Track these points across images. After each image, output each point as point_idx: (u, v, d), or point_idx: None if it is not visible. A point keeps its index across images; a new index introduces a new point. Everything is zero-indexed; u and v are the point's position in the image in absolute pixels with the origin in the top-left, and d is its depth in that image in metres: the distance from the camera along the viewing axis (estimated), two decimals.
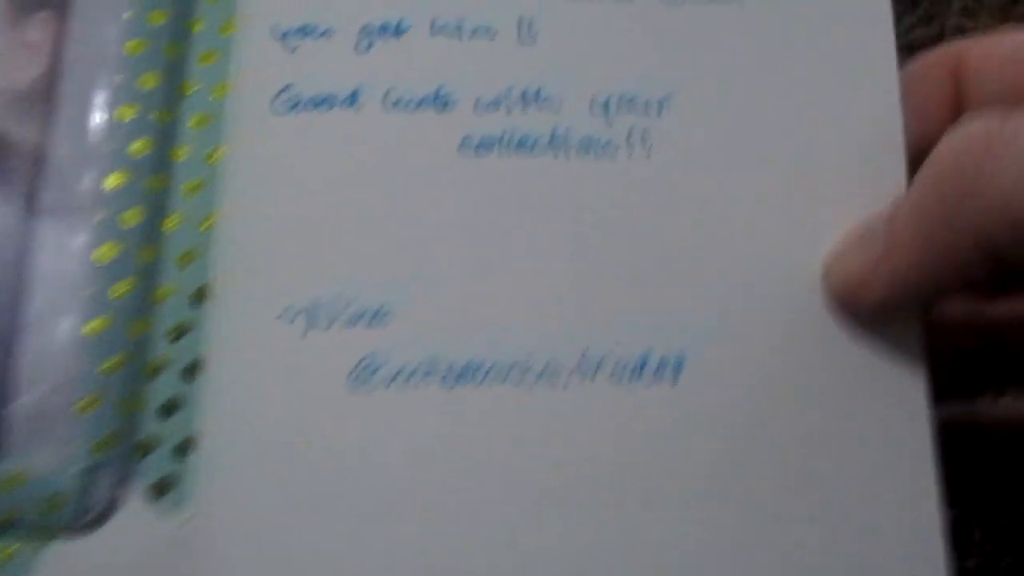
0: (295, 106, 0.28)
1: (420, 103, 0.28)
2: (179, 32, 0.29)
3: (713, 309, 0.28)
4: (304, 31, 0.29)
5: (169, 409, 0.27)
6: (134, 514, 0.26)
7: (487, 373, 0.27)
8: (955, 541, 0.42)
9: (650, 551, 0.26)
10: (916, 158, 0.28)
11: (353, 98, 0.29)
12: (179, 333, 0.27)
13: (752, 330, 0.27)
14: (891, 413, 0.27)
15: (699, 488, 0.26)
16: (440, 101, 0.28)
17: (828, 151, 0.29)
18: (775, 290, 0.28)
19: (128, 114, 0.28)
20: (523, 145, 0.28)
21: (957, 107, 0.29)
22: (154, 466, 0.26)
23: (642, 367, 0.27)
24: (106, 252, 0.27)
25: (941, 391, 0.31)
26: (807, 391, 0.27)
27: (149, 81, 0.28)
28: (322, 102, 0.28)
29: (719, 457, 0.27)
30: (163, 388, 0.27)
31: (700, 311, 0.28)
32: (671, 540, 0.26)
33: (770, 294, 0.28)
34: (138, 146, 0.28)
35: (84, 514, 0.26)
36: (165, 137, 0.28)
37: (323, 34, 0.29)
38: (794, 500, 0.26)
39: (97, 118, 0.29)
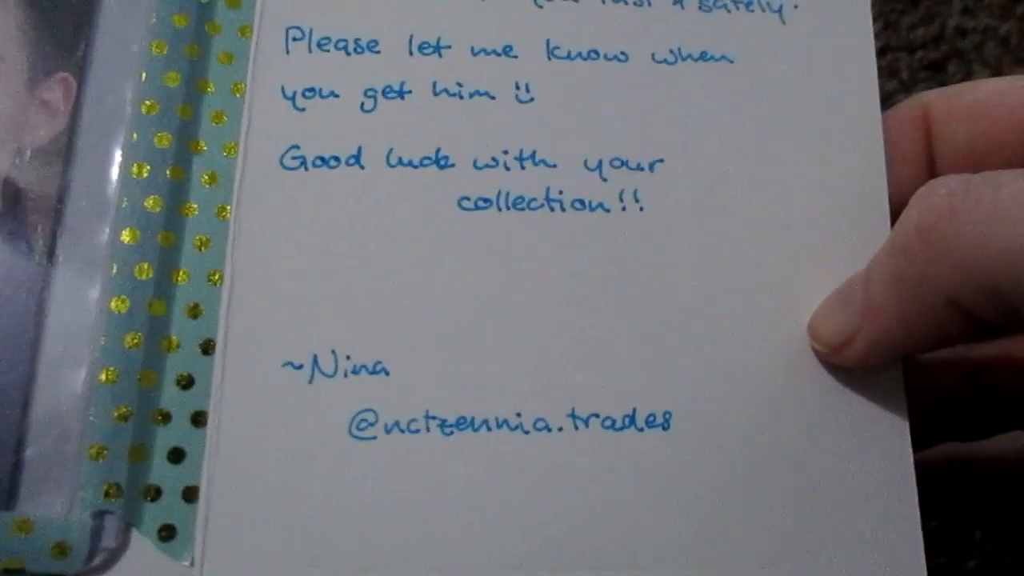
0: (302, 164, 0.30)
1: (421, 162, 0.30)
2: (191, 93, 0.30)
3: (700, 367, 0.29)
4: (311, 92, 0.30)
5: (176, 456, 0.28)
6: (140, 559, 0.27)
7: (481, 424, 0.28)
8: (955, 541, 0.43)
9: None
10: (891, 211, 0.29)
11: (358, 156, 0.30)
12: (187, 383, 0.28)
13: (739, 384, 0.28)
14: (875, 455, 0.28)
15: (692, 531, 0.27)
16: (440, 160, 0.30)
17: (815, 208, 0.30)
18: (762, 344, 0.29)
19: (142, 171, 0.29)
20: (519, 203, 0.29)
21: (929, 160, 0.31)
22: (161, 512, 0.27)
23: (631, 420, 0.28)
24: (119, 304, 0.28)
25: (936, 435, 0.32)
26: (794, 440, 0.28)
27: (163, 140, 0.30)
28: (328, 160, 0.30)
29: (714, 496, 0.27)
30: (171, 435, 0.28)
31: (686, 370, 0.28)
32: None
33: (757, 349, 0.29)
34: (151, 202, 0.29)
35: (91, 559, 0.26)
36: (177, 193, 0.30)
37: (329, 95, 0.30)
38: (783, 540, 0.27)
39: (112, 174, 0.30)
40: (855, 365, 0.28)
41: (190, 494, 0.27)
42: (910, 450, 0.28)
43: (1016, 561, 0.43)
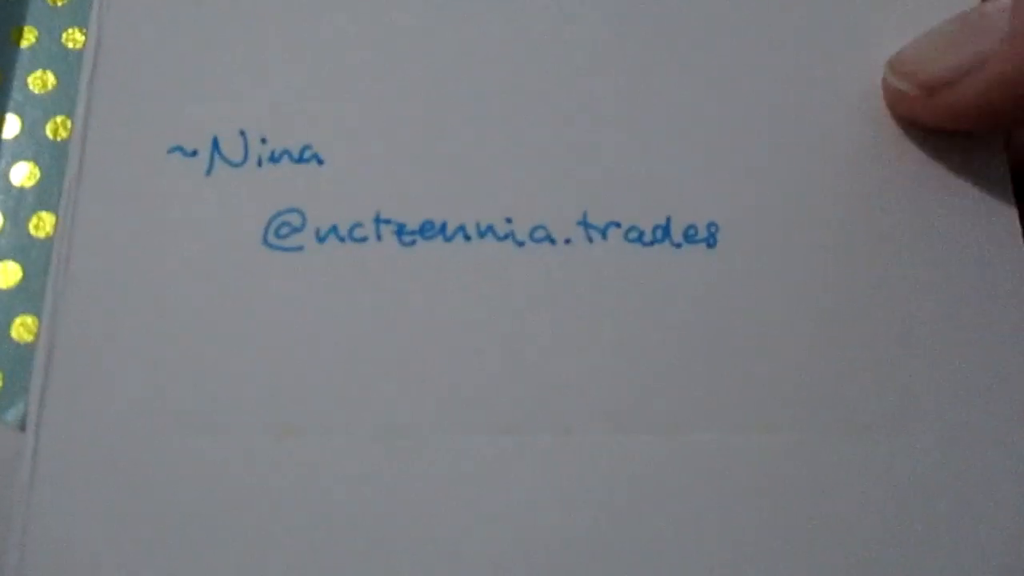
0: None
1: None
2: None
3: (751, 164, 0.21)
4: None
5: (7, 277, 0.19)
6: None
7: (456, 232, 0.19)
8: None
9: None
10: None
11: None
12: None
13: (799, 188, 0.21)
14: (979, 268, 0.20)
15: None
16: None
17: None
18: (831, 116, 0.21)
19: None
20: None
21: None
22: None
23: (665, 233, 0.20)
24: None
25: None
26: (878, 252, 0.20)
27: None
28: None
29: (774, 334, 0.19)
30: None
31: (735, 169, 0.21)
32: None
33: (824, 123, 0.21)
34: None
35: None
36: None
37: None
38: (871, 398, 0.19)
39: None
40: (949, 117, 0.20)
41: (24, 331, 0.18)
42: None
43: None
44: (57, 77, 0.21)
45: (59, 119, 0.21)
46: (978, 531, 0.18)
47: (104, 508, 0.17)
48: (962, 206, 0.21)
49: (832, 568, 0.18)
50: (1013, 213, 0.21)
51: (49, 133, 0.21)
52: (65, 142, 0.21)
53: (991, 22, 0.20)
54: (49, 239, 0.20)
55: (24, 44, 0.21)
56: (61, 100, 0.21)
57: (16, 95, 0.21)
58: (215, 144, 0.20)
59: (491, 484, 0.18)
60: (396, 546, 0.18)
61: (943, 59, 0.20)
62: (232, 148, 0.20)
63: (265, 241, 0.19)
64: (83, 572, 0.17)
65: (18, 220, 0.20)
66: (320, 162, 0.20)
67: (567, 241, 0.20)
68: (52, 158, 0.21)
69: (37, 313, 0.20)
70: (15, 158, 0.21)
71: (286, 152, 0.20)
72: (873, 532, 0.18)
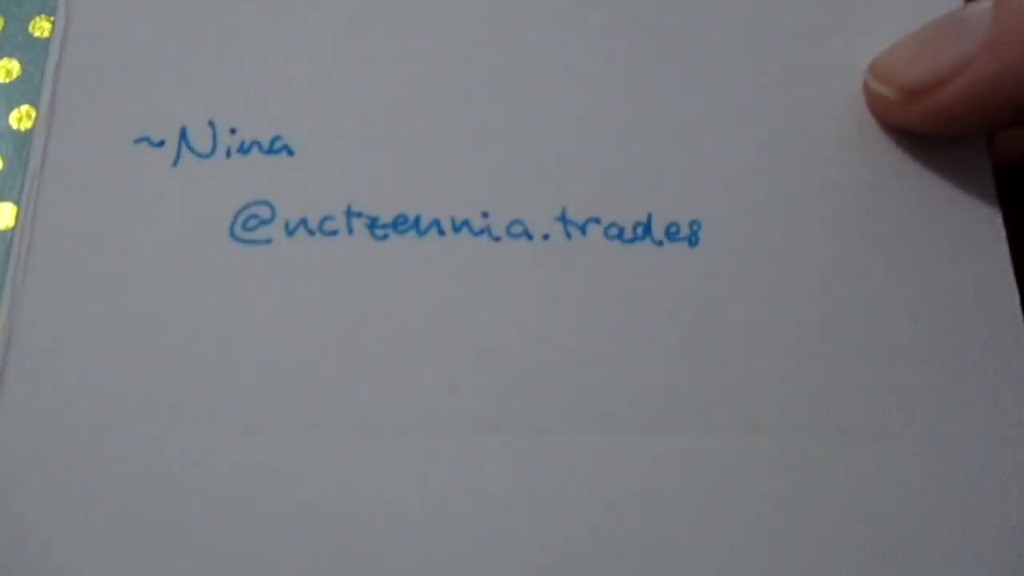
0: None
1: None
2: None
3: (736, 160, 0.20)
4: None
5: None
6: None
7: (430, 226, 0.19)
8: None
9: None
10: None
11: None
12: None
13: (785, 180, 0.20)
14: (965, 265, 0.20)
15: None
16: None
17: None
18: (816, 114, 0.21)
19: None
20: None
21: None
22: None
23: (646, 230, 0.20)
24: None
25: None
26: (866, 245, 0.20)
27: None
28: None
29: (761, 333, 0.19)
30: None
31: (719, 165, 0.20)
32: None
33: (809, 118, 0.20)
34: None
35: None
36: None
37: None
38: (860, 397, 0.19)
39: None
40: (931, 121, 0.20)
41: None
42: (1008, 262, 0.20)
43: None
44: (22, 65, 0.21)
45: (23, 108, 0.20)
46: (967, 535, 0.18)
47: (60, 499, 0.17)
48: (946, 207, 0.20)
49: (817, 572, 0.18)
50: (997, 214, 0.20)
51: (13, 122, 0.20)
52: (29, 132, 0.20)
53: (972, 25, 0.19)
54: (10, 230, 0.19)
55: None
56: (25, 89, 0.21)
57: None
58: (183, 134, 0.19)
59: (464, 486, 0.17)
60: (364, 549, 0.17)
61: (924, 63, 0.20)
62: (200, 138, 0.19)
63: (232, 234, 0.19)
64: (41, 561, 0.17)
65: None
66: (291, 153, 0.19)
67: (545, 237, 0.19)
68: (15, 148, 0.20)
69: None
70: None
71: (256, 143, 0.19)
72: (860, 537, 0.18)
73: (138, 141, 0.19)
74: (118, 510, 0.17)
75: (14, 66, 0.20)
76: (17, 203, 0.19)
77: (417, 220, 0.19)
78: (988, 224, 0.20)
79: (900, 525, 0.18)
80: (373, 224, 0.19)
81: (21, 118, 0.20)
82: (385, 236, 0.19)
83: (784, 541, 0.18)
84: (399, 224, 0.19)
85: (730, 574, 0.17)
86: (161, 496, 0.17)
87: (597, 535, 0.17)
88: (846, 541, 0.18)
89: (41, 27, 0.21)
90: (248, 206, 0.19)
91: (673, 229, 0.20)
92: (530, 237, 0.19)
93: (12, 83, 0.20)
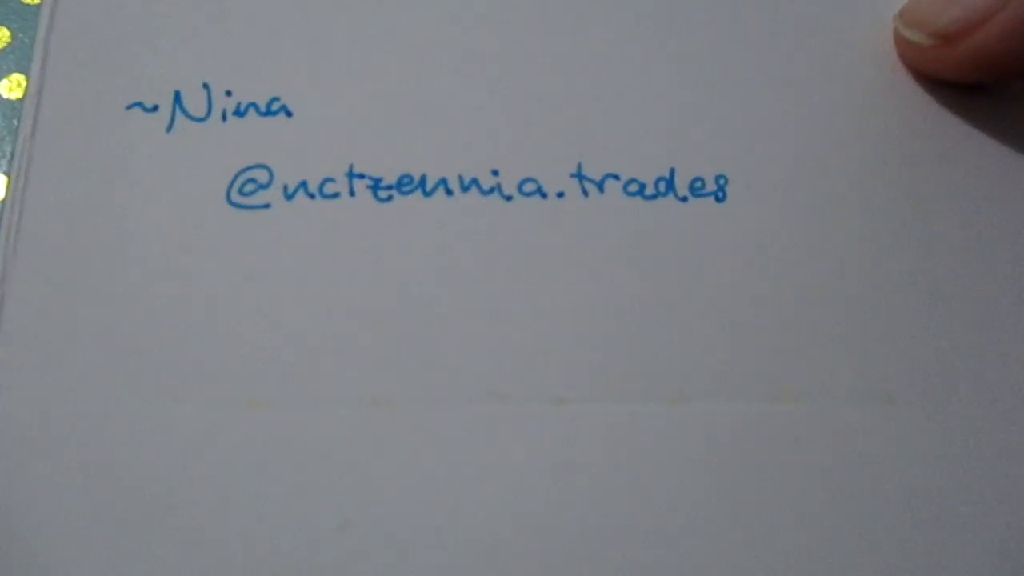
0: None
1: None
2: None
3: (761, 111, 0.19)
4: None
5: None
6: None
7: (437, 185, 0.18)
8: None
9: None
10: None
11: None
12: None
13: (812, 134, 0.19)
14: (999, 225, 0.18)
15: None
16: None
17: None
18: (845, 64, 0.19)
19: None
20: None
21: None
22: None
23: (668, 186, 0.18)
24: None
25: None
26: (897, 201, 0.18)
27: None
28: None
29: (791, 295, 0.18)
30: None
31: (745, 117, 0.19)
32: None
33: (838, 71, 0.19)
34: None
35: None
36: None
37: None
38: (900, 368, 0.17)
39: None
40: (967, 67, 0.19)
41: None
42: None
43: None
44: (12, 33, 0.20)
45: (14, 77, 0.20)
46: (1013, 506, 0.16)
47: (59, 476, 0.16)
48: (981, 156, 0.19)
49: (850, 543, 0.16)
50: None
51: (3, 91, 0.19)
52: (19, 101, 0.20)
53: None
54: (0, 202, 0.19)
55: None
56: (16, 57, 0.20)
57: None
58: (177, 98, 0.18)
59: (476, 458, 0.16)
60: (372, 524, 0.16)
61: (956, 4, 0.18)
62: (195, 102, 0.18)
63: (229, 199, 0.18)
64: (38, 541, 0.16)
65: None
66: (289, 114, 0.18)
67: (560, 195, 0.18)
68: (4, 118, 0.19)
69: None
70: None
71: (252, 105, 0.18)
72: (902, 506, 0.16)
73: (131, 107, 0.18)
74: (119, 486, 0.16)
75: (4, 34, 0.20)
76: (7, 174, 0.19)
77: (422, 180, 0.18)
78: None
79: (944, 495, 0.16)
80: (376, 185, 0.18)
81: (12, 87, 0.19)
82: (389, 198, 0.18)
83: (824, 513, 0.16)
84: (403, 185, 0.18)
85: (766, 546, 0.16)
86: (162, 470, 0.16)
87: (618, 509, 0.16)
88: (888, 510, 0.16)
89: None
90: (245, 170, 0.18)
91: (698, 184, 0.18)
92: (544, 195, 0.18)
93: (2, 51, 0.20)
